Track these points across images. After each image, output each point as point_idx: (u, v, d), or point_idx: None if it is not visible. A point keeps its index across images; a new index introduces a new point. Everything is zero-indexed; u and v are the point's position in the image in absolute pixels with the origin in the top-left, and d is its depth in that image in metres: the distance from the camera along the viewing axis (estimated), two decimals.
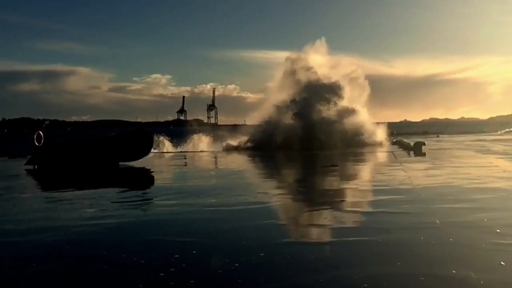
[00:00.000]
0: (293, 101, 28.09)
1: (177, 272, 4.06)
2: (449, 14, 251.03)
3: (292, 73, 29.46)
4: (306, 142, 23.62)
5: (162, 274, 3.99)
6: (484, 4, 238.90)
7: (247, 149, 24.04)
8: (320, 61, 29.73)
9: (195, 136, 26.37)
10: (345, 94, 28.12)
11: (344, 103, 27.69)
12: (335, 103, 27.59)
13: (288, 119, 26.65)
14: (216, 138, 26.32)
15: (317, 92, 28.10)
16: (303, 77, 28.87)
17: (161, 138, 24.11)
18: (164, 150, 23.54)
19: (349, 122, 26.65)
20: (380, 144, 25.77)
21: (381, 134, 27.11)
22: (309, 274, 4.04)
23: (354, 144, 23.93)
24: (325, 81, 28.43)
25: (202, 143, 25.87)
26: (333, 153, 19.27)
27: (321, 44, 30.98)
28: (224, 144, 25.44)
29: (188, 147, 25.38)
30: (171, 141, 24.69)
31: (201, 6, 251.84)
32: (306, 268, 4.21)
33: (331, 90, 28.12)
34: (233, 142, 25.73)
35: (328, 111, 27.29)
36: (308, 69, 29.31)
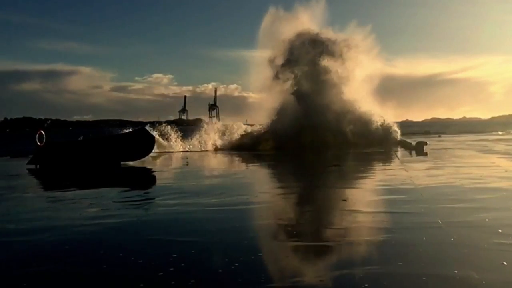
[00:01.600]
0: (272, 61, 22.46)
1: (177, 271, 4.05)
2: (451, 13, 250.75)
3: (274, 32, 23.27)
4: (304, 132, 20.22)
5: (162, 274, 3.98)
6: (486, 3, 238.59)
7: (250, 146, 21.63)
8: (318, 21, 23.46)
9: (205, 126, 23.76)
10: (358, 61, 22.40)
11: (357, 74, 22.17)
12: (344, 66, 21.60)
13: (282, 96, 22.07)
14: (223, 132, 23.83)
15: (313, 47, 22.12)
16: (289, 33, 22.78)
17: (163, 125, 21.90)
18: (172, 142, 22.23)
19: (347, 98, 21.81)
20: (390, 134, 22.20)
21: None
22: (310, 274, 4.03)
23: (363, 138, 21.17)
24: (326, 35, 22.60)
25: (211, 132, 23.30)
26: (334, 152, 19.23)
27: (317, 4, 23.93)
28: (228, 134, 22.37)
29: (197, 136, 23.32)
30: (178, 130, 22.96)
31: (203, 5, 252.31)
32: (306, 268, 4.20)
33: (336, 47, 22.00)
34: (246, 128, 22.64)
35: (331, 74, 21.50)
36: (296, 26, 22.93)
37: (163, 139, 21.54)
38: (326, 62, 22.10)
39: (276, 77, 22.49)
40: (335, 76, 22.30)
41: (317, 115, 21.15)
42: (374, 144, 21.59)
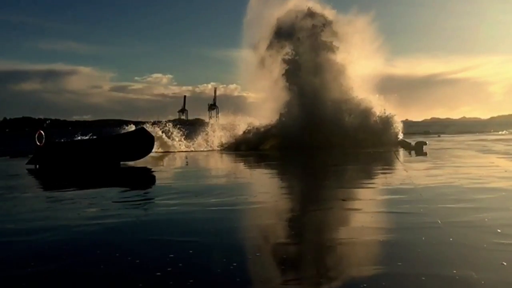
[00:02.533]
0: (256, 46, 20.23)
1: (175, 271, 4.04)
2: (451, 13, 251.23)
3: (261, 18, 20.61)
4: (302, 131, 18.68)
5: (159, 274, 3.97)
6: (485, 3, 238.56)
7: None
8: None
9: (211, 122, 23.10)
10: (364, 47, 20.11)
11: (361, 62, 19.91)
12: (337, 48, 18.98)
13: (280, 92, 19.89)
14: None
15: (310, 20, 19.45)
16: (278, 12, 20.18)
17: (164, 122, 21.17)
18: (176, 141, 21.92)
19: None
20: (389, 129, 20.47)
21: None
22: (308, 274, 4.03)
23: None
24: (325, 12, 19.81)
25: (216, 130, 22.67)
26: (334, 152, 19.21)
27: None
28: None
29: (202, 134, 22.93)
30: (181, 128, 22.69)
31: (202, 5, 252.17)
32: (305, 268, 4.20)
33: (338, 27, 19.46)
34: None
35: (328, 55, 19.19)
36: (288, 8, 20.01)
37: (166, 137, 21.38)
38: (326, 37, 19.86)
39: (261, 64, 20.41)
40: (336, 58, 20.30)
41: (315, 104, 19.63)
42: (374, 139, 20.78)
